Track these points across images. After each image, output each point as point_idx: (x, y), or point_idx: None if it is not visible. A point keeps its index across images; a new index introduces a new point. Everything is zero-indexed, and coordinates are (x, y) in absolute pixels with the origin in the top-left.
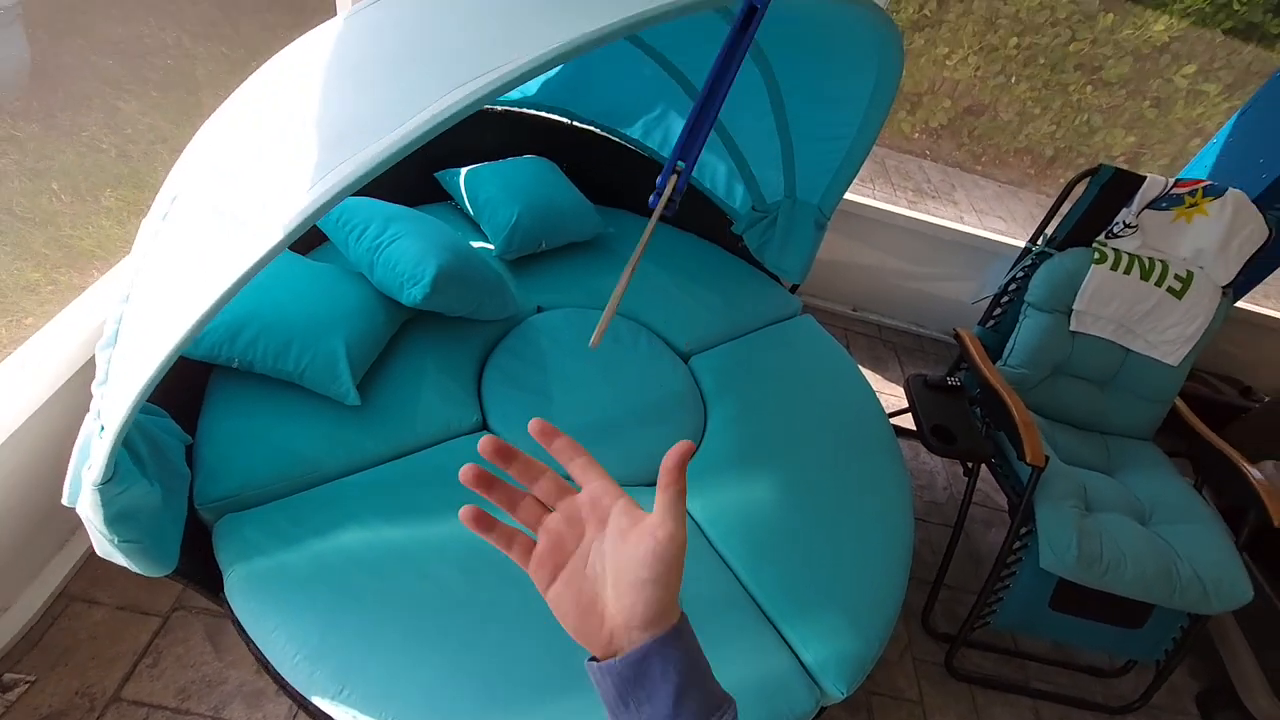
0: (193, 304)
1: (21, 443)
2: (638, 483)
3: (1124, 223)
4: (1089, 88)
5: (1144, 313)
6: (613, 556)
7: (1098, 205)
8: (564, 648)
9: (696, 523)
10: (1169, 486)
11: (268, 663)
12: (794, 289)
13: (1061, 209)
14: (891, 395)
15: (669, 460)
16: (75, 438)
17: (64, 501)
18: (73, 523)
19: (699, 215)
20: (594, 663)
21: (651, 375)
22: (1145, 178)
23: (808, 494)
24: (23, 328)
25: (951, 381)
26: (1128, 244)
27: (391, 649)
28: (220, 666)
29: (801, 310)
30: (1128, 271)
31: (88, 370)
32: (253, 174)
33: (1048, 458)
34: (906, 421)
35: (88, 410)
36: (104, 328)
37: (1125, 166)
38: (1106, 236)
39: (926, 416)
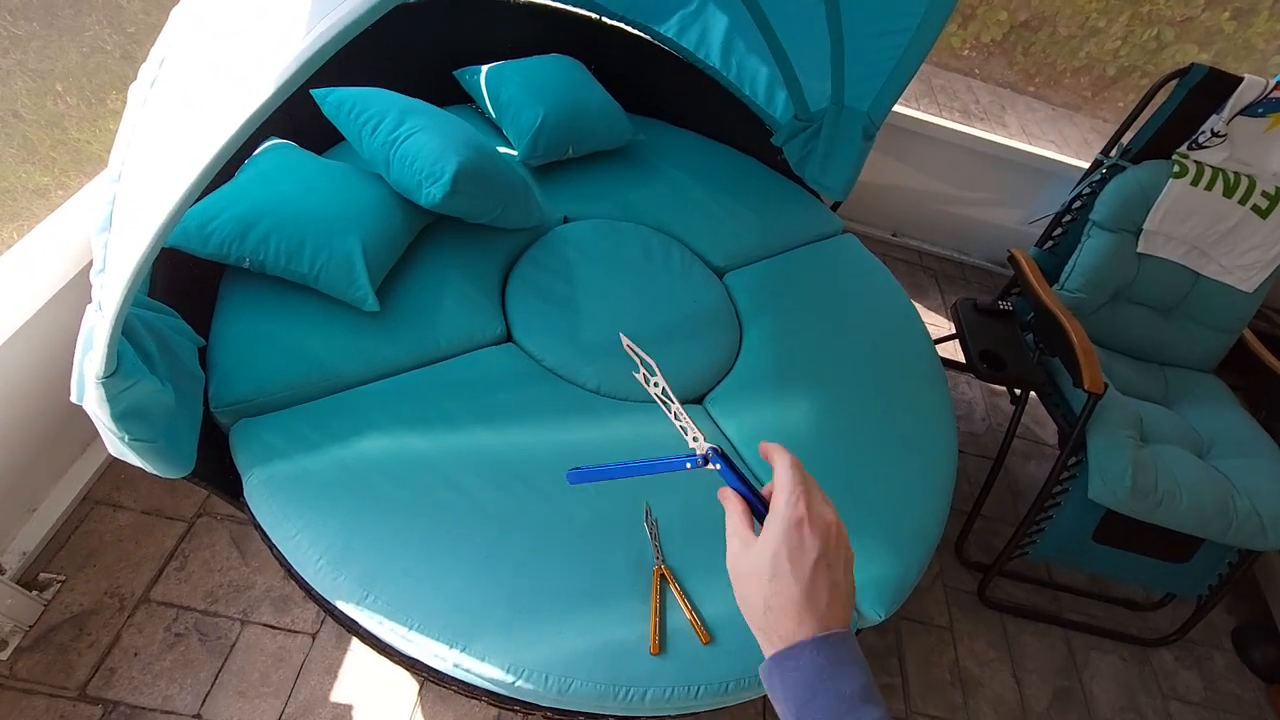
0: (180, 177)
1: (30, 342)
2: None
3: (1211, 131)
4: None
5: (1222, 233)
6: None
7: (1183, 111)
8: (591, 559)
9: (731, 443)
10: (1230, 420)
11: (291, 567)
12: (835, 206)
13: (1141, 117)
14: (932, 324)
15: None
16: None
17: (71, 398)
18: (93, 427)
19: (736, 125)
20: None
21: (684, 290)
22: (1243, 78)
23: (848, 417)
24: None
25: (1003, 306)
26: (1213, 156)
27: (417, 556)
28: (247, 572)
29: (843, 230)
30: (1210, 187)
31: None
32: (240, 30)
33: (1106, 385)
34: (947, 351)
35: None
36: (98, 212)
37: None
38: (1189, 148)
39: (975, 341)
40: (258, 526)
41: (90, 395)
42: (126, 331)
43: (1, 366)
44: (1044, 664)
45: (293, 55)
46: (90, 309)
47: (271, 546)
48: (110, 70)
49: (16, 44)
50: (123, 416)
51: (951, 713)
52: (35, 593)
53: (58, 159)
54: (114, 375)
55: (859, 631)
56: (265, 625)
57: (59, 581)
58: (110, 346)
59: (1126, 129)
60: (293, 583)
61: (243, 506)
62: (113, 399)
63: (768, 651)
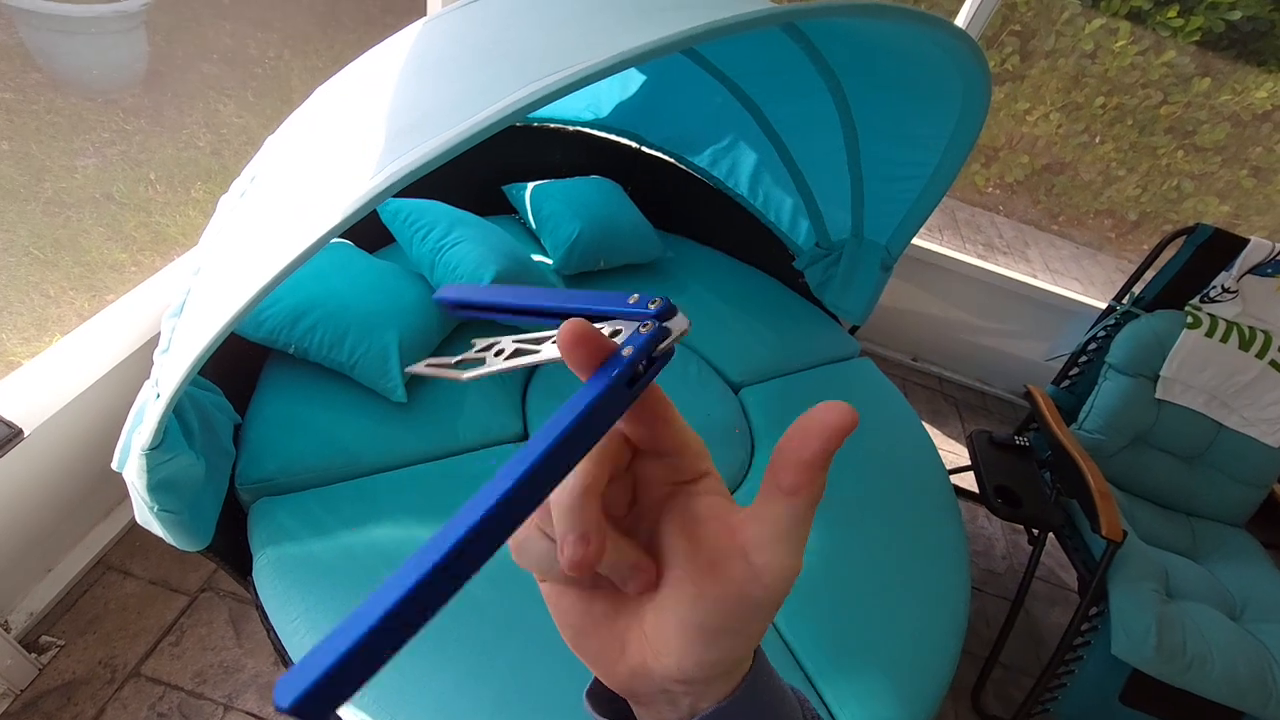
0: (251, 281)
1: (85, 408)
2: None
3: (1222, 287)
4: (1180, 152)
5: (1241, 386)
6: (677, 565)
7: (1192, 266)
8: (585, 672)
9: None
10: (1264, 580)
11: (285, 652)
12: (853, 330)
13: (1151, 268)
14: (950, 452)
15: (809, 435)
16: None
17: (113, 465)
18: (119, 492)
19: (760, 247)
20: (593, 704)
21: (699, 403)
22: (1249, 240)
23: (857, 547)
24: (104, 303)
25: (1020, 441)
26: (1226, 310)
27: (409, 653)
28: (239, 654)
29: (860, 353)
30: (1224, 339)
31: (154, 344)
32: (323, 161)
33: (1125, 533)
34: (964, 481)
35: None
36: (174, 299)
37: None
38: (1201, 300)
39: (990, 476)
40: (259, 606)
41: (132, 464)
42: (175, 408)
43: (55, 431)
44: None
45: (357, 194)
46: (147, 384)
47: (269, 629)
48: (198, 164)
49: (123, 137)
50: (157, 487)
51: None
52: (34, 655)
53: (138, 239)
54: (158, 448)
55: None
56: (248, 713)
57: (58, 646)
58: (161, 423)
59: (1138, 278)
60: (282, 669)
61: (248, 585)
62: (151, 469)
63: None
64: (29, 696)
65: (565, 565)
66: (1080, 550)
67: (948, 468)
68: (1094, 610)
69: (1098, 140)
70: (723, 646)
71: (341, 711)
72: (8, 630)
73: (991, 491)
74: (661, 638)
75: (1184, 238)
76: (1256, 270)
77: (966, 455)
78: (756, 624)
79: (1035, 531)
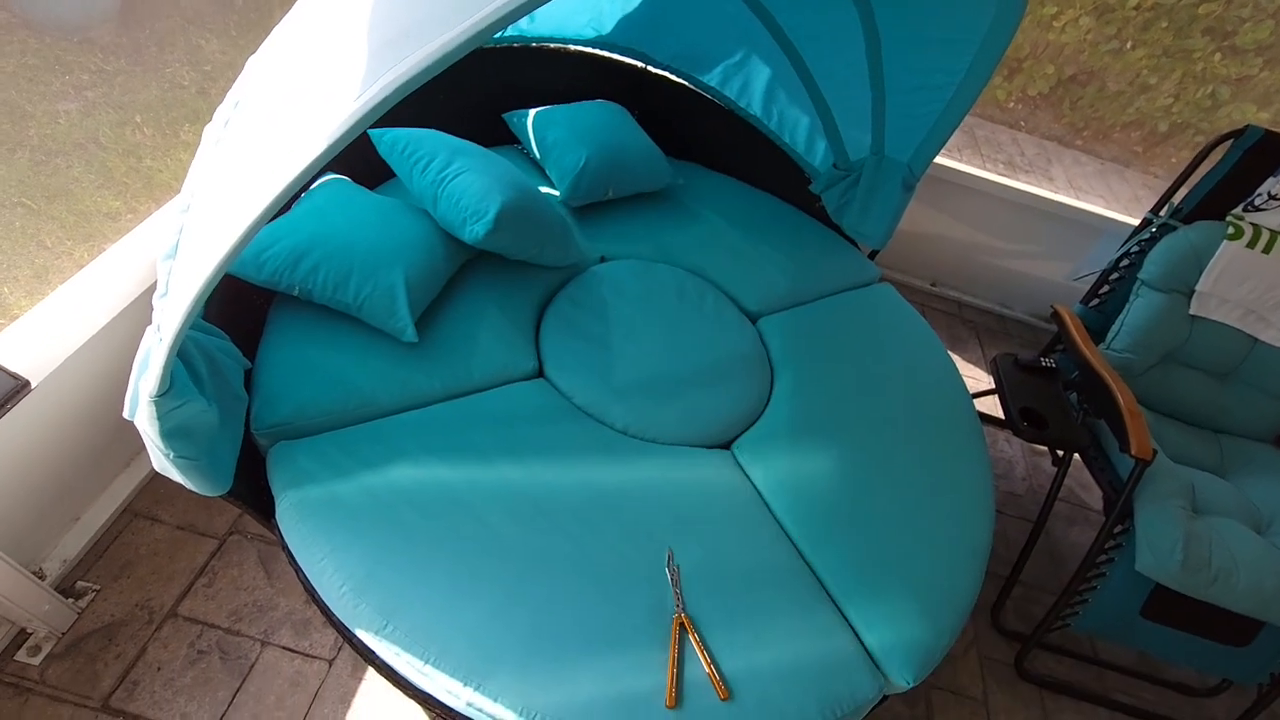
0: (242, 216)
1: (91, 358)
2: (695, 443)
3: (1269, 194)
4: (1218, 55)
5: None
6: None
7: (1238, 173)
8: (611, 601)
9: (758, 490)
10: None
11: (314, 591)
12: (873, 255)
13: (1193, 176)
14: (970, 378)
15: None
16: None
17: (124, 414)
18: (139, 441)
19: (774, 171)
20: None
21: (716, 334)
22: None
23: (880, 470)
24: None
25: (1045, 362)
26: (1271, 219)
27: (437, 588)
28: (271, 593)
29: (880, 278)
30: (1267, 250)
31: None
32: (308, 81)
33: (1154, 451)
34: (985, 406)
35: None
36: (165, 239)
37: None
38: (1245, 209)
39: (1015, 398)
40: (286, 549)
41: (142, 412)
42: (180, 353)
43: (63, 382)
44: None
45: (346, 114)
46: (149, 330)
47: (298, 570)
48: (185, 105)
49: (104, 79)
50: (170, 434)
51: None
52: (71, 600)
53: (130, 185)
54: (166, 394)
55: (885, 699)
56: (284, 648)
57: (94, 590)
58: (165, 368)
59: (1178, 188)
60: (313, 607)
61: (273, 527)
62: (162, 417)
63: None
64: (71, 639)
65: None
66: (1106, 470)
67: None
68: (1118, 528)
69: (1129, 46)
70: None
71: (375, 645)
72: (42, 577)
73: (1017, 414)
74: None
75: (1230, 142)
76: None
77: (986, 380)
78: None
79: (1060, 453)
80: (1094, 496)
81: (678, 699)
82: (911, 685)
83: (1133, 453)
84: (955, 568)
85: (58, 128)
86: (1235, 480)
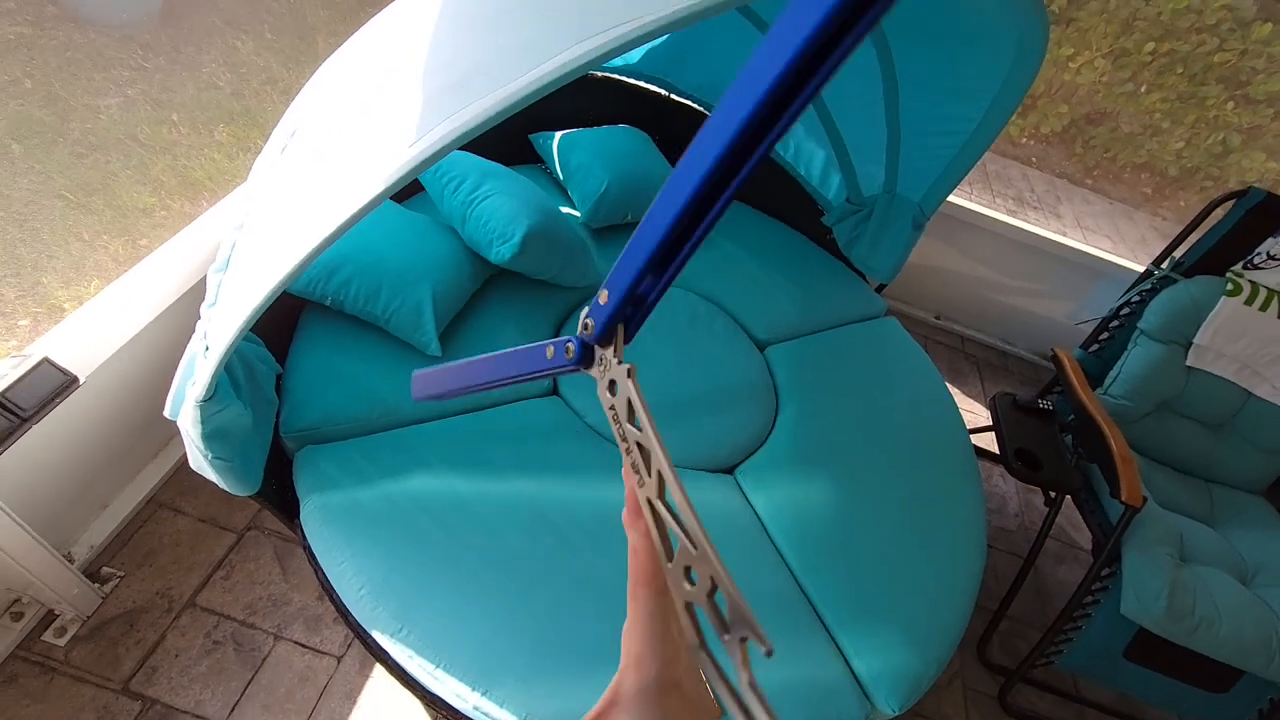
0: (297, 244)
1: (132, 355)
2: (700, 467)
3: (1268, 254)
4: (1230, 104)
5: (1277, 355)
6: None
7: (1239, 231)
8: (616, 616)
9: (757, 515)
10: (1278, 547)
11: (333, 592)
12: (880, 288)
13: (1195, 232)
14: (969, 412)
15: None
16: (179, 354)
17: (165, 414)
18: (167, 434)
19: (788, 202)
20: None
21: (725, 360)
22: None
23: (877, 501)
24: (137, 248)
25: (1043, 404)
26: (1269, 277)
27: (450, 595)
28: (285, 588)
29: (886, 312)
30: (1264, 308)
31: (196, 291)
32: (366, 117)
33: (1145, 499)
34: (982, 441)
35: (193, 329)
36: (217, 252)
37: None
38: (1245, 267)
39: (1011, 438)
40: (307, 549)
41: (186, 415)
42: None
43: (105, 378)
44: None
45: (403, 160)
46: (196, 338)
47: (318, 570)
48: (220, 106)
49: (144, 75)
50: (210, 436)
51: None
52: (97, 585)
53: (166, 182)
54: (210, 400)
55: None
56: (296, 643)
57: (118, 576)
58: (213, 378)
59: (1180, 242)
60: (325, 604)
61: (295, 527)
62: (205, 420)
63: None
64: (95, 622)
65: None
66: (1096, 513)
67: (968, 428)
68: (1106, 571)
69: (1144, 90)
70: None
71: (390, 647)
72: (71, 561)
73: (1012, 454)
74: None
75: (1233, 201)
76: None
77: (985, 415)
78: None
79: (1053, 494)
80: (1084, 536)
81: None
82: (897, 713)
83: (1123, 499)
84: (945, 601)
85: (98, 122)
86: (1224, 530)
